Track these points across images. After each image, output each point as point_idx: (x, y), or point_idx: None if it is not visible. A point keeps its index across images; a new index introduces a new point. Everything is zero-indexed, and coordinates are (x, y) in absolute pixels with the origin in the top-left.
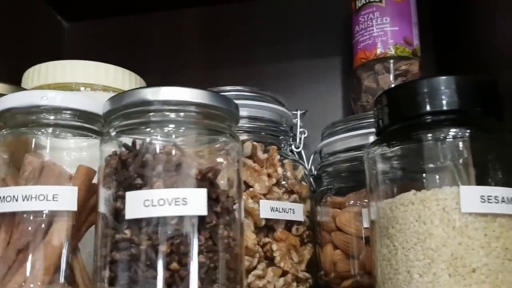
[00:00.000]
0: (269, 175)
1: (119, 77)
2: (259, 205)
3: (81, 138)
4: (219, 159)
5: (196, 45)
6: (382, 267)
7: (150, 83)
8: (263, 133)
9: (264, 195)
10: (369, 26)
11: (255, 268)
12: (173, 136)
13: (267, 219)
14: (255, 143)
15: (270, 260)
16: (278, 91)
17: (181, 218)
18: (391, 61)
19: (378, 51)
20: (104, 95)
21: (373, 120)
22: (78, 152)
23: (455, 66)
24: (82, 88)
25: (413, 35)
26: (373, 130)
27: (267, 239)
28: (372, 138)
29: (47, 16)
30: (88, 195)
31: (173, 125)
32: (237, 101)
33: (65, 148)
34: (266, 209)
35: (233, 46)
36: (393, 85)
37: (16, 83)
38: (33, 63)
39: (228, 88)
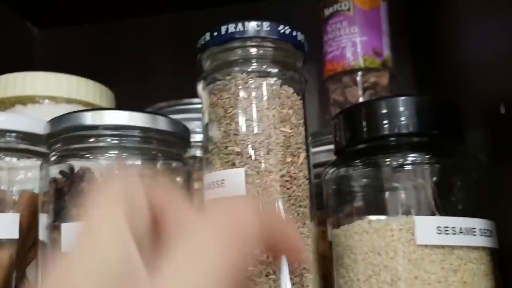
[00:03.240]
0: None
1: (82, 88)
2: None
3: (25, 160)
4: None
5: (167, 53)
6: None
7: (120, 92)
8: None
9: None
10: (337, 36)
11: None
12: (112, 163)
13: None
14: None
15: None
16: None
17: None
18: (359, 73)
19: (346, 62)
20: (68, 107)
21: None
22: (23, 174)
23: (431, 76)
24: (46, 101)
25: (382, 45)
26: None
27: None
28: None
29: (16, 23)
30: (32, 220)
31: (114, 151)
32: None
33: (11, 169)
34: None
35: None
36: (360, 98)
37: None
38: (1, 71)
39: (196, 100)
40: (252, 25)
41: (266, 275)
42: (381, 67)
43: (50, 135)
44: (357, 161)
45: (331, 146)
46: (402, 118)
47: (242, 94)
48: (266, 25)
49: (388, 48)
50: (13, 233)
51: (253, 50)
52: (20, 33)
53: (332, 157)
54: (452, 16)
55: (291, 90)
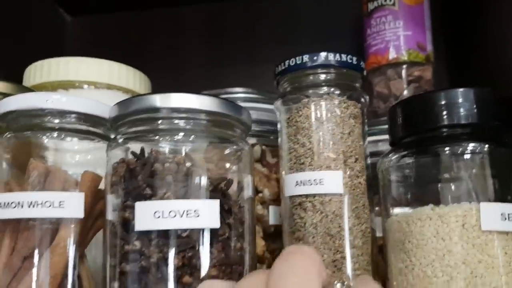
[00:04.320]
0: (277, 180)
1: (124, 75)
2: (268, 211)
3: (86, 141)
4: (231, 168)
5: (199, 42)
6: (398, 282)
7: (152, 80)
8: (272, 137)
9: (273, 200)
10: (381, 30)
11: None
12: (181, 145)
13: (276, 225)
14: (264, 147)
15: None
16: None
17: (192, 231)
18: (404, 66)
19: (390, 56)
20: (108, 93)
21: (383, 126)
22: (82, 156)
23: (467, 71)
24: (85, 86)
25: (426, 40)
26: (384, 137)
27: (275, 245)
28: (381, 145)
29: (50, 10)
30: (94, 201)
31: (182, 133)
32: (245, 104)
33: (70, 151)
34: (276, 216)
35: (237, 44)
36: (405, 91)
37: (17, 78)
38: (34, 57)
39: (236, 90)
40: (320, 56)
41: None
42: (424, 61)
43: (117, 117)
44: (417, 150)
45: (374, 138)
46: (462, 109)
47: (327, 111)
48: (332, 55)
49: (431, 43)
50: (79, 213)
51: (322, 76)
52: (54, 20)
53: (374, 149)
54: (494, 12)
55: (356, 105)
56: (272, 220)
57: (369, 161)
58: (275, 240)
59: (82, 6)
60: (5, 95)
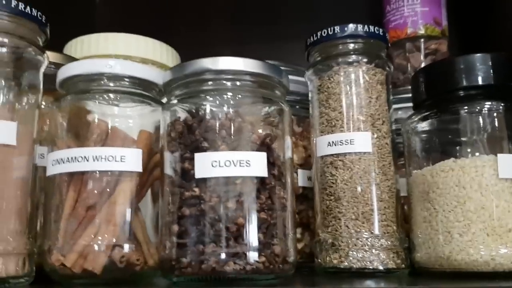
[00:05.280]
0: (304, 147)
1: (158, 50)
2: (297, 174)
3: (137, 104)
4: (273, 126)
5: (224, 20)
6: (422, 228)
7: (180, 56)
8: (297, 107)
9: (301, 165)
10: (400, 6)
11: None
12: (231, 103)
13: (303, 187)
14: (293, 116)
15: (305, 225)
16: (305, 67)
17: (244, 178)
18: (422, 40)
19: (409, 30)
20: None
21: (403, 95)
22: (134, 117)
23: (479, 45)
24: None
25: (442, 16)
26: (403, 105)
27: (302, 206)
28: (401, 113)
29: None
30: (148, 158)
31: (230, 93)
32: None
33: (122, 113)
34: (304, 178)
35: (261, 22)
36: (423, 64)
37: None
38: (68, 31)
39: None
40: (349, 27)
41: None
42: (440, 35)
43: (171, 81)
44: (438, 110)
45: (394, 106)
46: (478, 72)
47: (356, 78)
48: (359, 26)
49: (446, 19)
50: (138, 167)
51: (351, 46)
52: None
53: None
54: None
55: (382, 72)
56: (300, 182)
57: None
58: (303, 201)
59: None
60: (55, 64)
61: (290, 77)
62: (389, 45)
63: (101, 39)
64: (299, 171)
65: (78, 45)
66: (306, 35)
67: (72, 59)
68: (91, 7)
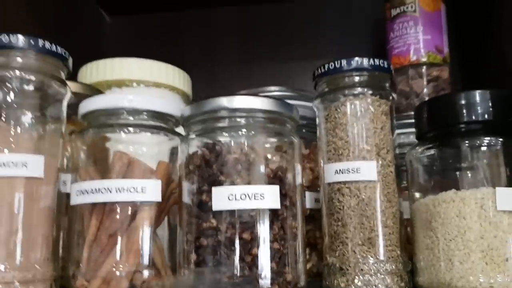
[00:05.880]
0: (311, 169)
1: (170, 74)
2: (305, 196)
3: (155, 134)
4: (285, 158)
5: (232, 42)
6: (424, 254)
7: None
8: (304, 130)
9: (308, 187)
10: (403, 34)
11: None
12: (245, 139)
13: (311, 209)
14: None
15: (313, 246)
16: (310, 89)
17: (259, 210)
18: (424, 67)
19: (412, 57)
20: (156, 90)
21: (405, 121)
22: (151, 147)
23: (478, 70)
24: (135, 84)
25: (443, 43)
26: (406, 130)
27: (309, 227)
28: (403, 138)
29: (91, 11)
30: (166, 186)
31: (245, 129)
32: None
33: (141, 143)
34: (311, 200)
35: (267, 44)
36: (425, 89)
37: None
38: (77, 56)
39: (272, 88)
40: (355, 60)
41: None
42: (442, 62)
43: (190, 116)
44: (441, 143)
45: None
46: (479, 108)
47: (362, 109)
48: (365, 60)
49: (447, 46)
50: (157, 197)
51: (357, 78)
52: (95, 21)
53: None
54: (506, 15)
55: (387, 103)
56: (308, 204)
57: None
58: (310, 222)
59: (121, 7)
60: (76, 94)
61: (297, 102)
62: (393, 71)
63: (116, 64)
64: (307, 193)
65: (94, 70)
66: (312, 56)
67: (90, 88)
68: (101, 32)
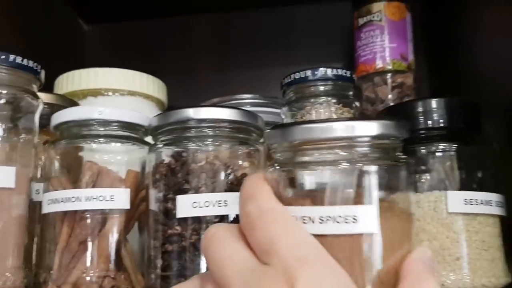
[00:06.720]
0: None
1: (144, 83)
2: None
3: (124, 144)
4: (249, 165)
5: (209, 49)
6: None
7: (166, 84)
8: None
9: None
10: (370, 43)
11: None
12: (211, 148)
13: None
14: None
15: None
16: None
17: (222, 217)
18: (389, 74)
19: (377, 65)
20: (131, 99)
21: None
22: (121, 156)
23: (445, 76)
24: (110, 93)
25: (408, 51)
26: None
27: None
28: None
29: (69, 20)
30: (135, 194)
31: (210, 139)
32: (253, 108)
33: (111, 152)
34: None
35: (244, 51)
36: (389, 96)
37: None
38: (55, 65)
39: (245, 96)
40: (320, 70)
41: None
42: (406, 69)
43: (157, 127)
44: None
45: None
46: (435, 115)
47: (326, 116)
48: (329, 70)
49: (412, 53)
50: (126, 204)
51: (321, 88)
52: (72, 30)
53: None
54: (468, 23)
55: (349, 111)
56: None
57: None
58: None
59: (99, 15)
60: (50, 105)
61: (268, 109)
62: (359, 78)
63: (91, 74)
64: None
65: (70, 80)
66: (287, 63)
67: (63, 99)
68: (79, 41)
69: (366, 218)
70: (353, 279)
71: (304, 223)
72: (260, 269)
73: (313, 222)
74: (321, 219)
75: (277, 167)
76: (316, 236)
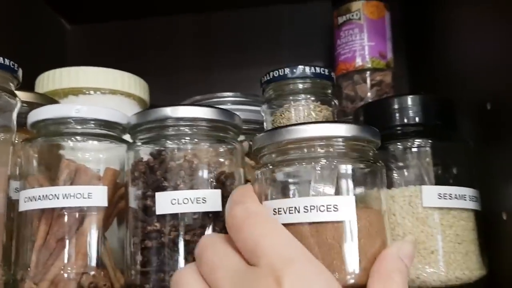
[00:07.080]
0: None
1: (126, 81)
2: None
3: (102, 142)
4: (226, 163)
5: (191, 49)
6: None
7: (149, 85)
8: (257, 134)
9: None
10: (349, 41)
11: None
12: (189, 147)
13: None
14: (251, 142)
15: None
16: None
17: (201, 214)
18: (368, 72)
19: (357, 63)
20: (112, 97)
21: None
22: (99, 154)
23: (424, 74)
24: (91, 92)
25: (387, 49)
26: None
27: None
28: None
29: (50, 19)
30: (114, 191)
31: (188, 137)
32: (234, 106)
33: (89, 151)
34: None
35: (227, 51)
36: (369, 93)
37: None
38: (37, 64)
39: (226, 94)
40: (298, 68)
41: None
42: (385, 67)
43: (135, 125)
44: None
45: None
46: (410, 112)
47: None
48: (307, 68)
49: (391, 52)
50: (103, 202)
51: (300, 86)
52: (54, 29)
53: None
54: (445, 23)
55: (328, 109)
56: None
57: None
58: None
59: (81, 15)
60: (29, 103)
61: (251, 107)
62: (339, 76)
63: (72, 73)
64: None
65: (51, 78)
66: (270, 62)
67: (43, 97)
68: (62, 41)
69: (345, 207)
70: (334, 264)
71: (290, 213)
72: (249, 270)
73: (298, 212)
74: (305, 209)
75: (265, 168)
76: (300, 224)
